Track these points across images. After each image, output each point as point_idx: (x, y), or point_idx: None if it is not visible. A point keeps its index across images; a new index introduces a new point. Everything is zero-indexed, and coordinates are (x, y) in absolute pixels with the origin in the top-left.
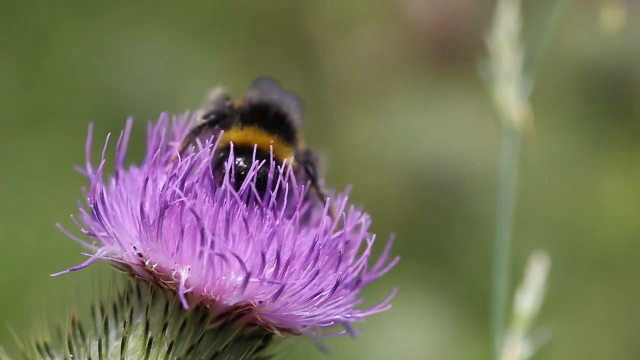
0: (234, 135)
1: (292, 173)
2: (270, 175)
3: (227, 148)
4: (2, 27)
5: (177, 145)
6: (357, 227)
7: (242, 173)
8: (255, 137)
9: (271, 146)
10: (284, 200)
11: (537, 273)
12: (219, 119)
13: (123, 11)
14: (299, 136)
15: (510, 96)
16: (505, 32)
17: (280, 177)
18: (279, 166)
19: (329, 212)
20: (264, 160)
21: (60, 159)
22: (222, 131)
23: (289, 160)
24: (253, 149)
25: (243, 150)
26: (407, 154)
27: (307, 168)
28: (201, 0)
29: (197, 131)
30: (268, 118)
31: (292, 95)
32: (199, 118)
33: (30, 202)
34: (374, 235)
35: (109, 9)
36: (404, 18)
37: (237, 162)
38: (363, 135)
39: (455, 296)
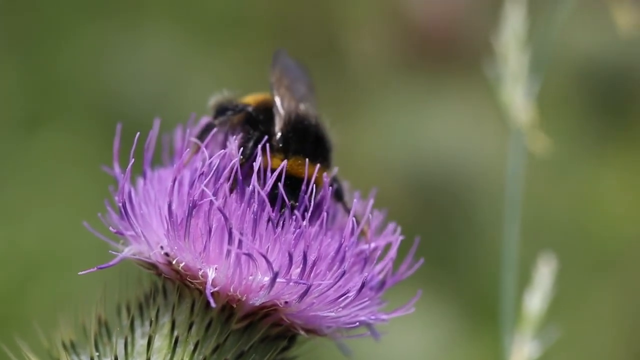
0: (278, 163)
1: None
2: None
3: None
4: (6, 28)
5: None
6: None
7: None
8: (301, 168)
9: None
10: (311, 202)
11: (544, 274)
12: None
13: (128, 11)
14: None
15: (517, 97)
16: (512, 32)
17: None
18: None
19: (355, 216)
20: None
21: (63, 158)
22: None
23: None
24: (297, 178)
25: (288, 179)
26: (407, 154)
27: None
28: (208, 0)
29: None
30: (309, 141)
31: (306, 76)
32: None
33: (33, 202)
34: (399, 238)
35: (114, 9)
36: (404, 18)
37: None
38: (363, 135)
39: (455, 296)
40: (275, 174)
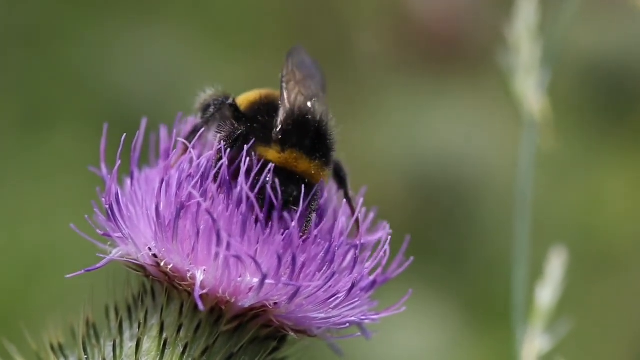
0: (274, 155)
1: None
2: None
3: (265, 165)
4: (7, 27)
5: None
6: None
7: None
8: (297, 162)
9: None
10: (313, 202)
11: (556, 266)
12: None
13: (130, 10)
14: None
15: (530, 88)
16: (524, 23)
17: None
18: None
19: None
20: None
21: (64, 159)
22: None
23: (325, 181)
24: (292, 173)
25: (282, 172)
26: (412, 153)
27: (337, 172)
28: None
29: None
30: (309, 137)
31: (320, 75)
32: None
33: (33, 203)
34: (389, 238)
35: (116, 8)
36: (409, 17)
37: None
38: (369, 134)
39: (457, 294)
40: (266, 172)
